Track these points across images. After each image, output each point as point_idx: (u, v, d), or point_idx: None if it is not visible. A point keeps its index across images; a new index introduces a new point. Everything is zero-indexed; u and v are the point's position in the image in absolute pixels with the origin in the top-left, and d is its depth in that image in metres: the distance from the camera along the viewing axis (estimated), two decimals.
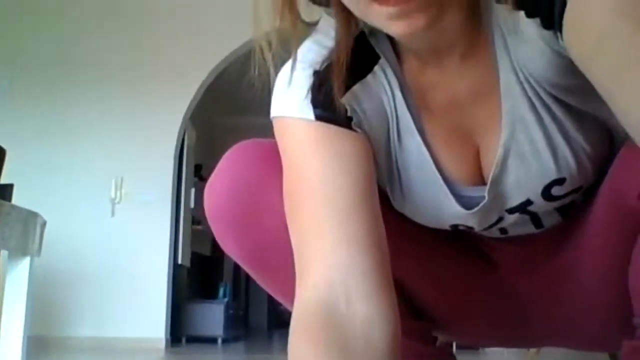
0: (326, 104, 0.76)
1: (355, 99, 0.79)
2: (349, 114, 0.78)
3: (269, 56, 0.74)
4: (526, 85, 0.73)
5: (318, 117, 0.77)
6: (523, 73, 0.73)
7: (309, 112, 0.77)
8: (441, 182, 0.83)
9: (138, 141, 6.04)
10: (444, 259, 0.99)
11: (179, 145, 6.34)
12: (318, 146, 0.76)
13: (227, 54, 6.16)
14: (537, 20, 0.67)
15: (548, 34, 0.67)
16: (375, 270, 0.72)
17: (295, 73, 0.77)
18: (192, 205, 7.21)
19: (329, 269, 0.71)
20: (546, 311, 0.98)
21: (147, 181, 6.02)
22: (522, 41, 0.71)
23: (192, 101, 6.20)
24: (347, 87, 0.78)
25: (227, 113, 8.59)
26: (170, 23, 6.24)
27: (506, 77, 0.74)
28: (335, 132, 0.77)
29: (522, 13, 0.69)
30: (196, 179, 7.60)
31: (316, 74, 0.77)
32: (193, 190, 7.26)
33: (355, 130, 0.78)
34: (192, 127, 7.06)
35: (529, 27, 0.69)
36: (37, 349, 4.78)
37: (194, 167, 7.49)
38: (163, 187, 6.07)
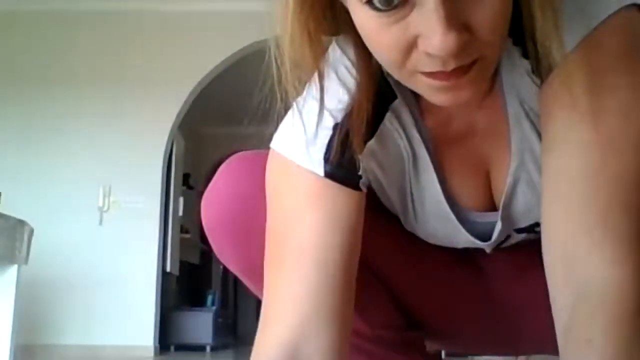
0: (338, 162, 0.74)
1: (372, 155, 0.78)
2: (359, 172, 0.76)
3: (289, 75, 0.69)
4: (532, 116, 0.74)
5: (327, 174, 0.75)
6: (527, 105, 0.75)
7: (319, 167, 0.74)
8: (453, 218, 0.84)
9: (126, 150, 6.02)
10: (438, 268, 0.99)
11: (168, 154, 6.33)
12: (319, 203, 0.74)
13: (217, 64, 6.18)
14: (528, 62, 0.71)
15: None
16: (339, 348, 0.73)
17: (314, 117, 0.74)
18: (180, 213, 7.21)
19: (297, 335, 0.72)
20: (536, 318, 0.99)
21: (135, 190, 5.99)
22: (521, 76, 0.73)
23: (180, 110, 6.19)
24: (364, 141, 0.75)
25: (215, 123, 8.60)
26: (160, 33, 6.23)
27: (514, 110, 0.75)
28: (337, 192, 0.75)
29: (517, 49, 0.71)
30: (184, 188, 7.60)
31: (335, 127, 0.74)
32: (181, 199, 7.26)
33: (359, 189, 0.76)
34: (181, 136, 7.06)
35: (523, 64, 0.71)
36: (24, 358, 4.75)
37: (183, 176, 7.49)
38: (151, 195, 6.05)
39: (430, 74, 0.62)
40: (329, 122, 0.74)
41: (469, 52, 0.59)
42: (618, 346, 0.59)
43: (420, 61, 0.61)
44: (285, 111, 0.77)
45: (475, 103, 0.77)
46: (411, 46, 0.60)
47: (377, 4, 0.58)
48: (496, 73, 0.74)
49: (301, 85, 0.71)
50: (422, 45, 0.59)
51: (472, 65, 0.61)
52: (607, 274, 0.62)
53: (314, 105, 0.73)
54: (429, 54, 0.59)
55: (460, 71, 0.61)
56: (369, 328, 0.97)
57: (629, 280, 0.61)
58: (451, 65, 0.60)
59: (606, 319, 0.60)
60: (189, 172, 7.83)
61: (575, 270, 0.64)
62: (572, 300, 0.63)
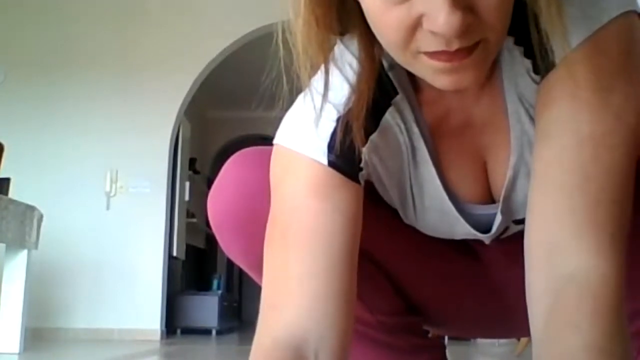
0: (341, 152, 0.76)
1: (374, 149, 0.80)
2: (361, 164, 0.78)
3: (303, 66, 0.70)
4: (531, 111, 0.76)
5: (330, 164, 0.76)
6: (525, 100, 0.77)
7: (323, 157, 0.76)
8: (454, 211, 0.86)
9: (133, 135, 6.04)
10: (436, 256, 1.01)
11: (174, 139, 6.35)
12: (322, 191, 0.76)
13: (222, 48, 6.18)
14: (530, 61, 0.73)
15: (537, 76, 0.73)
16: (346, 332, 0.74)
17: (318, 111, 0.75)
18: (186, 198, 7.23)
19: (306, 317, 0.72)
20: None
21: (142, 174, 6.03)
22: (521, 74, 0.75)
23: (187, 95, 6.20)
24: (366, 135, 0.77)
25: (221, 107, 8.60)
26: (166, 16, 6.24)
27: (513, 105, 0.77)
28: (340, 182, 0.76)
29: (519, 49, 0.74)
30: (191, 172, 7.63)
31: (338, 119, 0.75)
32: (188, 184, 7.28)
33: (358, 182, 0.78)
34: (187, 120, 7.07)
35: (524, 63, 0.74)
36: (34, 340, 4.81)
37: (189, 160, 7.51)
38: (158, 180, 6.08)
39: (433, 55, 0.63)
40: (332, 115, 0.76)
41: (472, 33, 0.61)
42: (602, 334, 0.62)
43: (424, 41, 0.62)
44: (291, 95, 0.77)
45: (473, 94, 0.79)
46: (416, 25, 0.61)
47: None
48: (496, 66, 0.76)
49: (312, 69, 0.72)
50: (426, 24, 0.60)
51: (475, 48, 0.62)
52: (591, 264, 0.64)
53: (318, 100, 0.75)
54: (433, 33, 0.60)
55: (464, 52, 0.62)
56: (370, 315, 1.00)
57: (611, 274, 0.64)
58: (455, 45, 0.61)
59: (591, 308, 0.63)
60: (195, 157, 7.84)
61: (559, 256, 0.66)
62: (554, 285, 0.66)
